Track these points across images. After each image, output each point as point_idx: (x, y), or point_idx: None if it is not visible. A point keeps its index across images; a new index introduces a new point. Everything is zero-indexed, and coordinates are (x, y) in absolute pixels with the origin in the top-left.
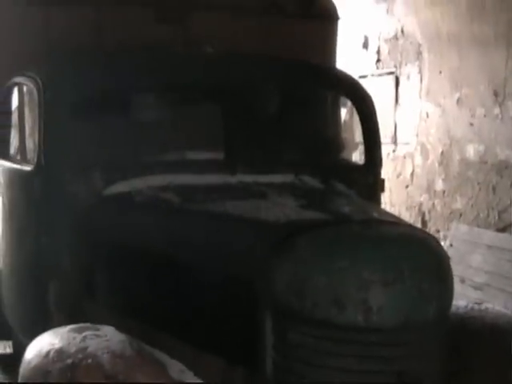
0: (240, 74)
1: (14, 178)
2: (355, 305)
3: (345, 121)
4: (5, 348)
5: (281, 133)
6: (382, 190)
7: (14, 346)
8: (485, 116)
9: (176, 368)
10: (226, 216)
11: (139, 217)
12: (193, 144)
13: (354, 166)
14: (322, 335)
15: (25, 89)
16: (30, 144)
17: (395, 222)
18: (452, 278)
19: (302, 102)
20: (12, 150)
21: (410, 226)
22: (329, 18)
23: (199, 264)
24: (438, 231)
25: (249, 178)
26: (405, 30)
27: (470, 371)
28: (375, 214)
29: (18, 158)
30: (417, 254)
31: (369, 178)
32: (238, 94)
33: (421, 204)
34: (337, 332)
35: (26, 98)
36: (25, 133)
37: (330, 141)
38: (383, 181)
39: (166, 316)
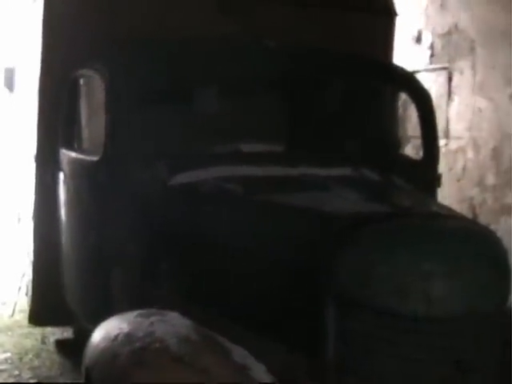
0: (302, 67)
1: (79, 167)
2: (416, 295)
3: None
4: (62, 333)
5: (340, 126)
6: (439, 185)
7: (75, 332)
8: None
9: (239, 353)
10: (290, 207)
11: (204, 207)
12: (254, 136)
13: (412, 161)
14: (383, 324)
15: (81, 81)
16: (86, 134)
17: (455, 215)
18: (510, 271)
19: (361, 96)
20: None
21: (469, 220)
22: (388, 14)
23: (263, 253)
24: (489, 225)
25: (309, 171)
26: (458, 25)
27: None
28: (435, 208)
29: (76, 147)
30: (477, 248)
31: (427, 173)
32: (299, 87)
33: (472, 198)
34: (397, 321)
35: (83, 90)
36: (81, 123)
37: (388, 135)
38: (440, 176)
39: (228, 303)
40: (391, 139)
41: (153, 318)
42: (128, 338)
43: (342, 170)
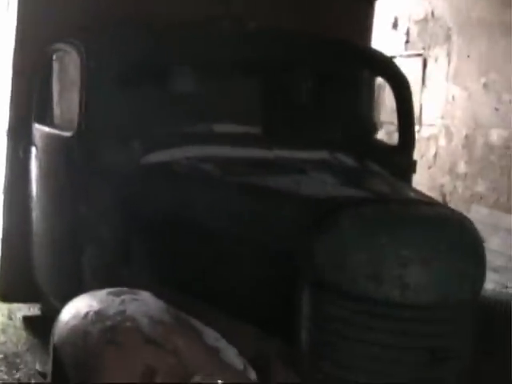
0: (279, 50)
1: (53, 142)
2: (392, 281)
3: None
4: (29, 310)
5: (316, 110)
6: (414, 171)
7: (43, 309)
8: (510, 102)
9: (211, 335)
10: (267, 190)
11: (178, 187)
12: (230, 117)
13: (388, 147)
14: (359, 309)
15: (54, 56)
16: (59, 109)
17: (432, 202)
18: (485, 259)
19: (338, 80)
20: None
21: (446, 206)
22: None
23: (240, 236)
24: None
25: (285, 154)
26: (435, 12)
27: (500, 353)
28: (412, 194)
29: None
30: (453, 235)
31: (402, 160)
32: (276, 69)
33: (442, 185)
34: (373, 307)
35: (57, 65)
36: (54, 98)
37: (365, 120)
38: (415, 162)
39: (201, 285)
40: (367, 124)
41: (124, 297)
42: (98, 316)
43: (317, 154)
